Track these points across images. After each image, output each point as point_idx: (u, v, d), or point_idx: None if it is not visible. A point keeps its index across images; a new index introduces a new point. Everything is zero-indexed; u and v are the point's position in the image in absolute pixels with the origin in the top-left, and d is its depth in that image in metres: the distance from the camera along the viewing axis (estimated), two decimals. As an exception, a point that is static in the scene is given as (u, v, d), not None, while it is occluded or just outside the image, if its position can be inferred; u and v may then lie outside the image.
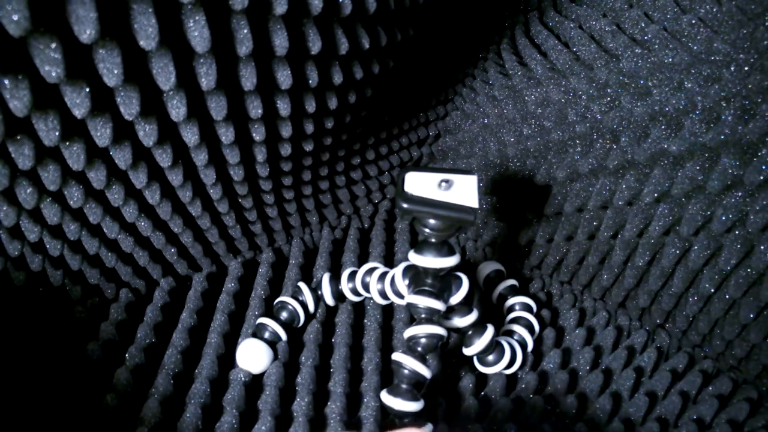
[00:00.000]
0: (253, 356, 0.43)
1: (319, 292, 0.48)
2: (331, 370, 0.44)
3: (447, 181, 0.35)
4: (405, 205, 0.34)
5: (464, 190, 0.35)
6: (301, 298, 0.47)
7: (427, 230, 0.36)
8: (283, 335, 0.45)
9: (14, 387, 0.40)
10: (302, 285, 0.48)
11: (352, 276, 0.47)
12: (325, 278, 0.48)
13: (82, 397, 0.40)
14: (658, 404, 0.46)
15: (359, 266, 0.54)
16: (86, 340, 0.43)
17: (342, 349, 0.44)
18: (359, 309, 0.50)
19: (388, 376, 0.43)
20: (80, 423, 0.39)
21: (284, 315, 0.46)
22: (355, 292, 0.47)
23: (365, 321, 0.48)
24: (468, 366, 0.46)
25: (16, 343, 0.42)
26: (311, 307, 0.47)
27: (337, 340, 0.45)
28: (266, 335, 0.44)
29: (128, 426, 0.38)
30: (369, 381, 0.42)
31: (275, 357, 0.44)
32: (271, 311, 0.47)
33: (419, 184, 0.35)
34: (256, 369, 0.43)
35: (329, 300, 0.48)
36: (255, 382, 0.43)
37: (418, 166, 0.36)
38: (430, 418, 0.39)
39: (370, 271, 0.47)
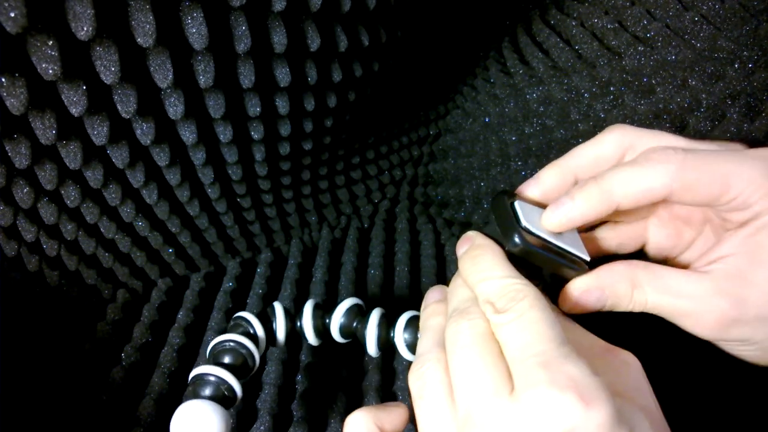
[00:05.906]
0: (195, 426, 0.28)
1: (299, 324, 0.35)
2: (331, 369, 0.43)
3: None
4: (521, 246, 0.27)
5: (572, 237, 0.29)
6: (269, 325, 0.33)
7: None
8: (238, 388, 0.30)
9: (10, 386, 0.39)
10: (278, 306, 0.34)
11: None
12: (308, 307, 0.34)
13: (77, 396, 0.40)
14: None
15: (358, 266, 0.53)
16: (82, 340, 0.43)
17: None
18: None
19: (389, 374, 0.43)
20: (76, 421, 0.38)
21: (228, 359, 0.31)
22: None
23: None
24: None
25: (13, 343, 0.42)
26: (281, 338, 0.33)
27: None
28: (208, 392, 0.29)
29: (124, 425, 0.38)
30: (370, 380, 0.42)
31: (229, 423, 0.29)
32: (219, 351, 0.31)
33: (533, 218, 0.28)
34: None
35: (311, 338, 0.34)
36: (253, 381, 0.42)
37: (512, 192, 0.31)
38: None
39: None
